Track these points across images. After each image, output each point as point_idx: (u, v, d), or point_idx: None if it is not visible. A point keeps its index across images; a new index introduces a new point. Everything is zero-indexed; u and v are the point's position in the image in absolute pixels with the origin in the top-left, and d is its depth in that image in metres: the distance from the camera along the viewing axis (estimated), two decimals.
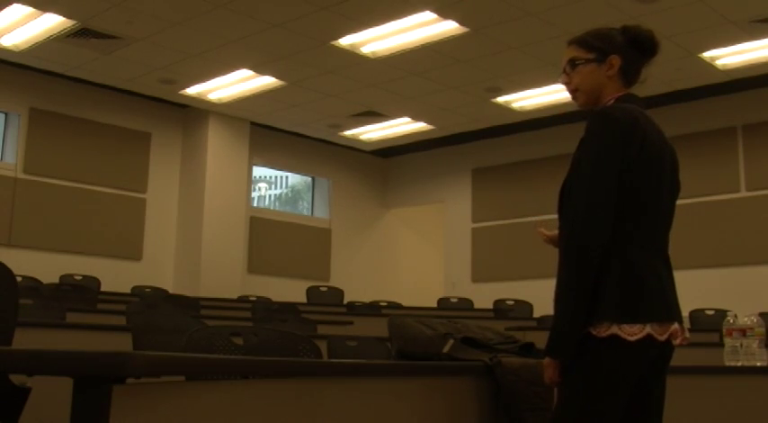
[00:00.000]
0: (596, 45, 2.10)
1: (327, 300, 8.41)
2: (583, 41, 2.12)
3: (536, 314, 7.34)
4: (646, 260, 1.98)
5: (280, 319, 5.09)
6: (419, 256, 11.92)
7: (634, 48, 2.10)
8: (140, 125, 9.51)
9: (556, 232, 2.09)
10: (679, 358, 2.02)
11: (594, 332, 1.89)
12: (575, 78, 2.13)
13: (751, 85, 8.43)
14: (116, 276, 8.29)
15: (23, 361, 1.38)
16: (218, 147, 9.72)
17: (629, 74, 2.11)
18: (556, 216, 2.06)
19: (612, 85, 2.09)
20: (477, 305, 8.34)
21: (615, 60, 2.08)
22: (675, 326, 1.96)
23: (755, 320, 3.12)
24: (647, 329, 1.89)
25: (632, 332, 1.88)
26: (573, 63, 2.12)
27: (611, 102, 2.08)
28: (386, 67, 8.09)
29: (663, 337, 1.92)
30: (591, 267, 1.89)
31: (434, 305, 8.21)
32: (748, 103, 8.67)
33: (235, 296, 8.47)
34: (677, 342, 1.98)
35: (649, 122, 2.07)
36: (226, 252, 9.55)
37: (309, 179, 11.67)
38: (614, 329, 1.87)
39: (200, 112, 9.61)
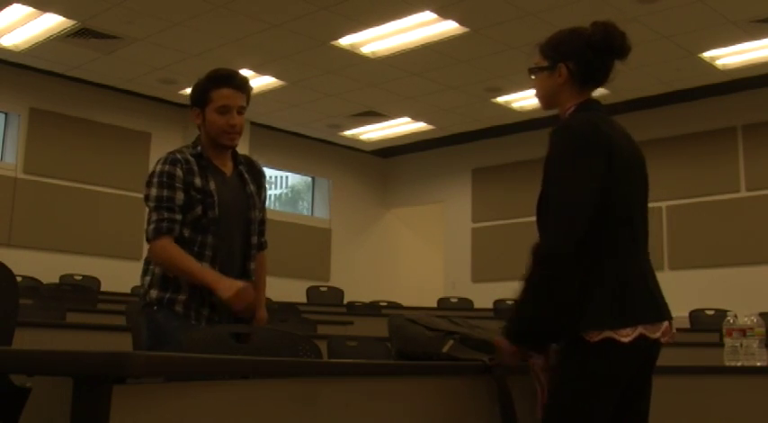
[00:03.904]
0: (549, 53, 2.15)
1: (327, 300, 8.41)
2: (542, 48, 2.18)
3: None
4: (630, 264, 2.00)
5: (280, 319, 5.08)
6: (419, 256, 11.92)
7: (594, 49, 2.11)
8: (140, 125, 9.51)
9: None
10: (679, 358, 2.03)
11: (587, 337, 1.91)
12: (534, 84, 2.20)
13: (751, 85, 8.43)
14: (116, 276, 8.28)
15: (23, 361, 1.38)
16: None
17: (588, 77, 2.13)
18: None
19: (567, 90, 2.12)
20: (477, 305, 8.34)
21: (563, 69, 2.11)
22: (666, 324, 1.99)
23: (755, 320, 3.12)
24: (640, 329, 1.92)
25: (626, 333, 1.90)
26: (530, 70, 2.20)
27: (572, 109, 2.11)
28: (386, 67, 8.09)
29: (655, 335, 1.95)
30: (560, 278, 1.93)
31: (434, 305, 8.21)
32: (748, 103, 8.67)
33: None
34: (665, 339, 2.00)
35: (614, 127, 2.09)
36: None
37: (309, 179, 11.67)
38: (607, 332, 1.90)
39: None
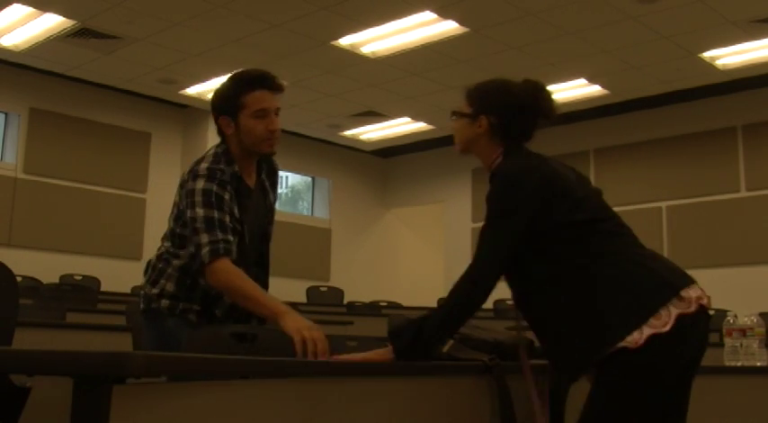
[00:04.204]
0: (474, 102, 2.17)
1: (327, 300, 8.42)
2: (469, 94, 2.19)
3: None
4: (618, 259, 1.98)
5: None
6: (419, 256, 11.92)
7: (519, 108, 2.13)
8: (140, 125, 9.51)
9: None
10: None
11: (630, 346, 1.84)
12: (454, 127, 2.22)
13: (751, 85, 8.43)
14: (116, 276, 8.29)
15: (23, 361, 1.38)
16: None
17: (508, 133, 2.14)
18: None
19: (485, 142, 2.16)
20: None
21: (482, 121, 2.13)
22: (691, 291, 1.92)
23: (755, 320, 3.12)
24: (673, 311, 1.86)
25: (663, 323, 1.85)
26: (453, 113, 2.21)
27: (499, 158, 2.14)
28: (386, 67, 8.09)
29: (692, 309, 1.89)
30: (470, 311, 2.01)
31: (434, 305, 8.20)
32: (748, 103, 8.67)
33: None
34: (706, 303, 1.93)
35: (545, 158, 2.13)
36: None
37: (309, 179, 11.67)
38: (647, 331, 1.84)
39: (200, 112, 9.61)
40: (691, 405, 2.01)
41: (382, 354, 2.03)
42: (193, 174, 2.36)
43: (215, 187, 2.32)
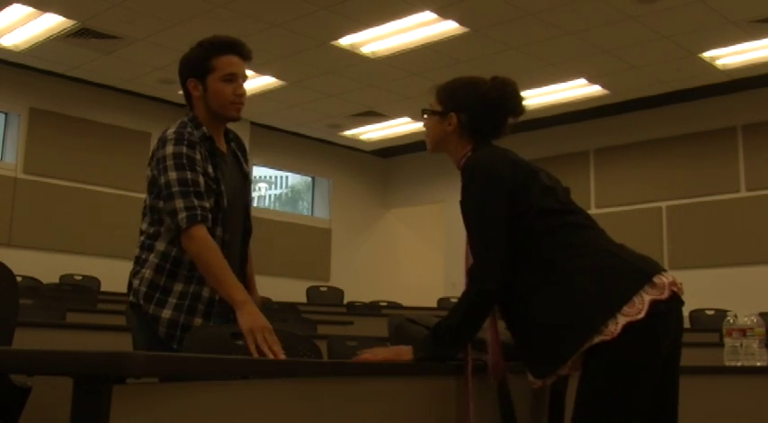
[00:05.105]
0: (444, 100, 2.20)
1: (327, 300, 8.42)
2: (438, 92, 2.23)
3: None
4: (588, 251, 1.99)
5: (280, 319, 5.08)
6: (419, 256, 11.92)
7: (488, 105, 2.17)
8: (140, 125, 9.51)
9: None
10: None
11: (607, 338, 1.85)
12: (425, 125, 2.27)
13: (751, 85, 8.44)
14: (116, 276, 8.25)
15: (23, 361, 1.38)
16: None
17: (478, 130, 2.18)
18: None
19: (455, 139, 2.20)
20: None
21: (452, 119, 2.18)
22: (663, 278, 1.92)
23: (755, 320, 3.12)
24: (646, 298, 1.87)
25: (637, 310, 1.85)
26: (423, 111, 2.26)
27: (468, 154, 2.17)
28: (386, 67, 8.09)
29: (665, 295, 1.88)
30: (486, 308, 2.01)
31: (434, 305, 8.22)
32: (748, 103, 8.67)
33: None
34: (677, 289, 1.93)
35: (510, 152, 2.18)
36: None
37: (309, 179, 11.67)
38: (622, 320, 1.84)
39: None
40: (691, 405, 2.01)
41: (402, 352, 2.02)
42: (162, 141, 2.37)
43: (184, 149, 2.31)
